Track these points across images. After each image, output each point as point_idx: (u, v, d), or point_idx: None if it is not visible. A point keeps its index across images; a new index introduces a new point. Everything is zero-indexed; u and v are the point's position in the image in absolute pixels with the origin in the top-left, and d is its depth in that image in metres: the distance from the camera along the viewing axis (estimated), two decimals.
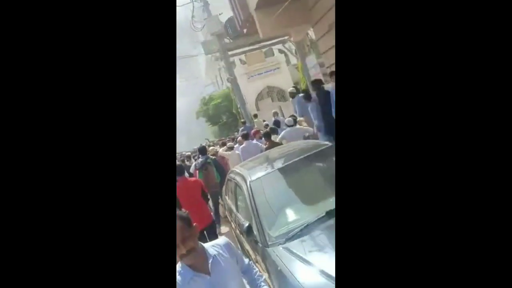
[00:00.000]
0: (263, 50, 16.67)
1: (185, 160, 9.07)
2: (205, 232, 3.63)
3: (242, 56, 16.82)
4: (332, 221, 2.21)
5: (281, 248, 2.22)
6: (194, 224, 1.38)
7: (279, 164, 3.12)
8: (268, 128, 6.21)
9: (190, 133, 31.55)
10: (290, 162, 3.02)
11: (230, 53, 12.86)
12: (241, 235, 3.18)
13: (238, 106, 12.93)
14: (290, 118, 5.83)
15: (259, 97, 18.99)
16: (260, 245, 2.42)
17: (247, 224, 2.53)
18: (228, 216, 4.02)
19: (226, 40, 12.70)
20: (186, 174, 4.78)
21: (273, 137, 5.37)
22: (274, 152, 3.87)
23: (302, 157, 3.03)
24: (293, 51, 13.49)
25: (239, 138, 6.17)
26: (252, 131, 6.19)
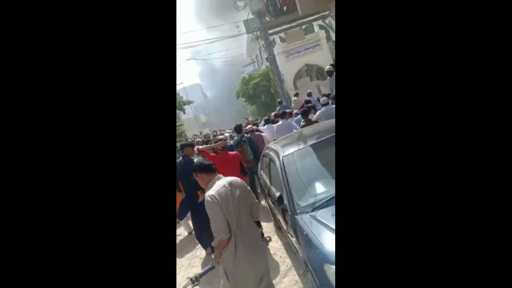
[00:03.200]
0: (303, 27, 16.32)
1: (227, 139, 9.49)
2: None
3: (283, 34, 16.64)
4: None
5: (308, 216, 2.44)
6: None
7: (311, 141, 3.30)
8: (305, 106, 6.32)
9: (238, 112, 32.75)
10: (321, 139, 3.19)
11: (270, 31, 12.88)
12: (273, 205, 3.43)
13: (276, 85, 13.03)
14: (324, 98, 5.90)
15: (298, 75, 18.77)
16: (290, 213, 2.66)
17: (278, 194, 2.77)
18: (262, 189, 4.30)
19: (267, 19, 12.72)
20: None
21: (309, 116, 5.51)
22: (307, 129, 4.05)
23: (333, 134, 3.17)
24: (334, 27, 13.17)
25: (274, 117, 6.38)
26: (289, 110, 6.33)
